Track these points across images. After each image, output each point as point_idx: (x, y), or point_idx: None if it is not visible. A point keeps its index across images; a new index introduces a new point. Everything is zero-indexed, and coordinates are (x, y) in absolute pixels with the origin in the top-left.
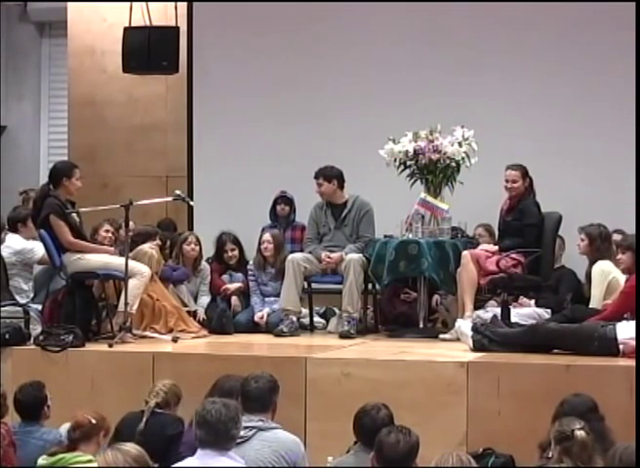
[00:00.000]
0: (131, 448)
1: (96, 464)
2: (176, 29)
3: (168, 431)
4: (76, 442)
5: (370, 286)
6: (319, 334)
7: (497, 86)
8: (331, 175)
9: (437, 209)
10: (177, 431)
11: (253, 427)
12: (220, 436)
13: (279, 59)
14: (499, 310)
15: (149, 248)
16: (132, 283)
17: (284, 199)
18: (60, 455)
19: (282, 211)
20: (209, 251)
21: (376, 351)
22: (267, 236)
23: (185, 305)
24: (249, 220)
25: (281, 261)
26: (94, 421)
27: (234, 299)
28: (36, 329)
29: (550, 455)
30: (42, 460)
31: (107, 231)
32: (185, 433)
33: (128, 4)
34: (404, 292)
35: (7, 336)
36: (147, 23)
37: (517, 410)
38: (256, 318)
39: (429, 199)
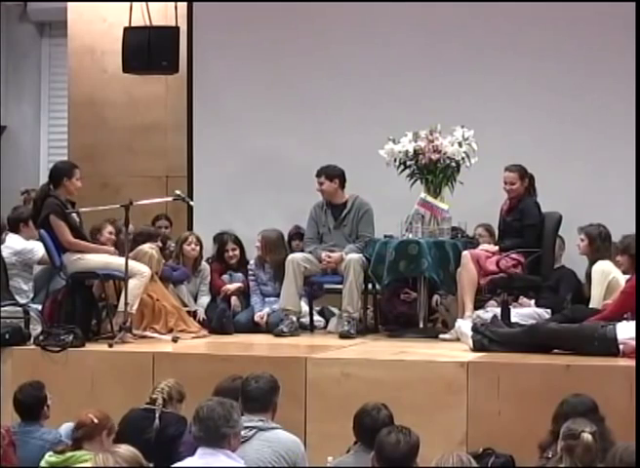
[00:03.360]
0: (124, 449)
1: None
2: (176, 29)
3: (170, 431)
4: (79, 441)
5: (370, 286)
6: (319, 334)
7: (497, 86)
8: (333, 174)
9: (437, 209)
10: (179, 431)
11: (253, 427)
12: (210, 433)
13: (279, 60)
14: (499, 310)
15: (149, 248)
16: (132, 283)
17: (299, 236)
18: (70, 453)
19: (297, 247)
20: (209, 251)
21: (376, 351)
22: (259, 237)
23: (185, 305)
24: (249, 220)
25: (275, 261)
26: (96, 421)
27: (234, 299)
28: (36, 329)
29: (550, 455)
30: (50, 457)
31: (111, 233)
32: (185, 433)
33: (128, 4)
34: (404, 292)
35: (7, 336)
36: (147, 23)
37: (517, 410)
38: (256, 318)
39: (429, 199)
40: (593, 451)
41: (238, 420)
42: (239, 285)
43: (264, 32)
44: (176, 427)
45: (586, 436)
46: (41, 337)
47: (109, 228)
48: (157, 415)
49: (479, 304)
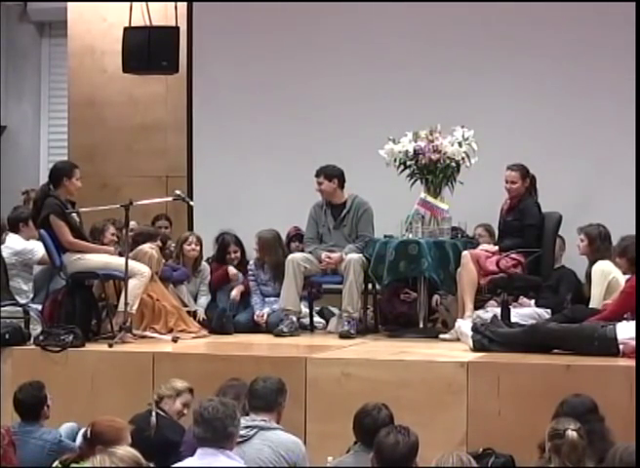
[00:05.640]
0: (123, 450)
1: None
2: (176, 29)
3: (167, 433)
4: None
5: (370, 286)
6: (319, 334)
7: (497, 86)
8: (332, 174)
9: (437, 209)
10: (175, 438)
11: (254, 427)
12: (218, 433)
13: (279, 59)
14: (499, 310)
15: (149, 248)
16: (132, 283)
17: (299, 237)
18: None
19: (296, 248)
20: (209, 251)
21: (376, 351)
22: (255, 238)
23: (185, 305)
24: (249, 220)
25: (273, 262)
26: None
27: (236, 291)
28: (36, 329)
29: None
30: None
31: (113, 234)
32: (186, 433)
33: (128, 4)
34: (404, 292)
35: (7, 336)
36: (147, 23)
37: (517, 410)
38: (256, 318)
39: (429, 199)
40: (580, 448)
41: (240, 420)
42: (240, 287)
43: (264, 32)
44: (171, 431)
45: (571, 433)
46: (41, 337)
47: (112, 229)
48: (153, 414)
49: (479, 304)
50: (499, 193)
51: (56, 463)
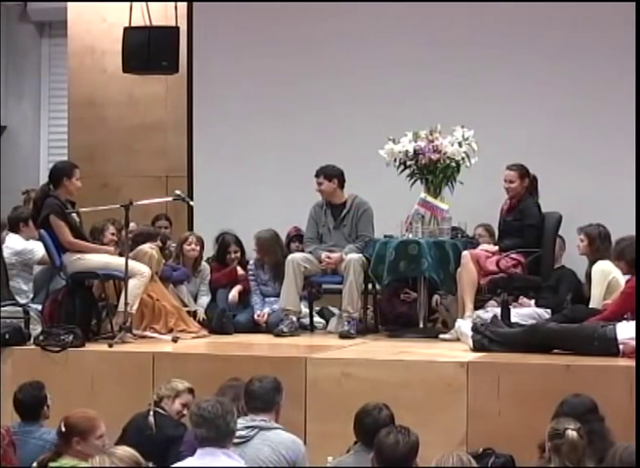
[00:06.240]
0: (122, 450)
1: None
2: (176, 29)
3: (168, 431)
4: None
5: (370, 286)
6: (319, 334)
7: (497, 86)
8: (332, 174)
9: (437, 209)
10: (176, 434)
11: (255, 427)
12: (221, 431)
13: (279, 59)
14: (499, 310)
15: (149, 248)
16: (132, 283)
17: (299, 237)
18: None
19: (296, 248)
20: (209, 251)
21: (376, 351)
22: (254, 240)
23: (185, 305)
24: (249, 220)
25: (273, 262)
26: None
27: (234, 291)
28: (36, 329)
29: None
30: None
31: (113, 234)
32: (187, 433)
33: (128, 4)
34: (404, 292)
35: (7, 336)
36: (147, 23)
37: (517, 410)
38: (256, 318)
39: (429, 199)
40: (580, 448)
41: (236, 416)
42: (239, 287)
43: (264, 32)
44: (171, 428)
45: (571, 433)
46: (41, 337)
47: (111, 229)
48: (151, 414)
49: (479, 304)
50: (499, 193)
51: (34, 464)
